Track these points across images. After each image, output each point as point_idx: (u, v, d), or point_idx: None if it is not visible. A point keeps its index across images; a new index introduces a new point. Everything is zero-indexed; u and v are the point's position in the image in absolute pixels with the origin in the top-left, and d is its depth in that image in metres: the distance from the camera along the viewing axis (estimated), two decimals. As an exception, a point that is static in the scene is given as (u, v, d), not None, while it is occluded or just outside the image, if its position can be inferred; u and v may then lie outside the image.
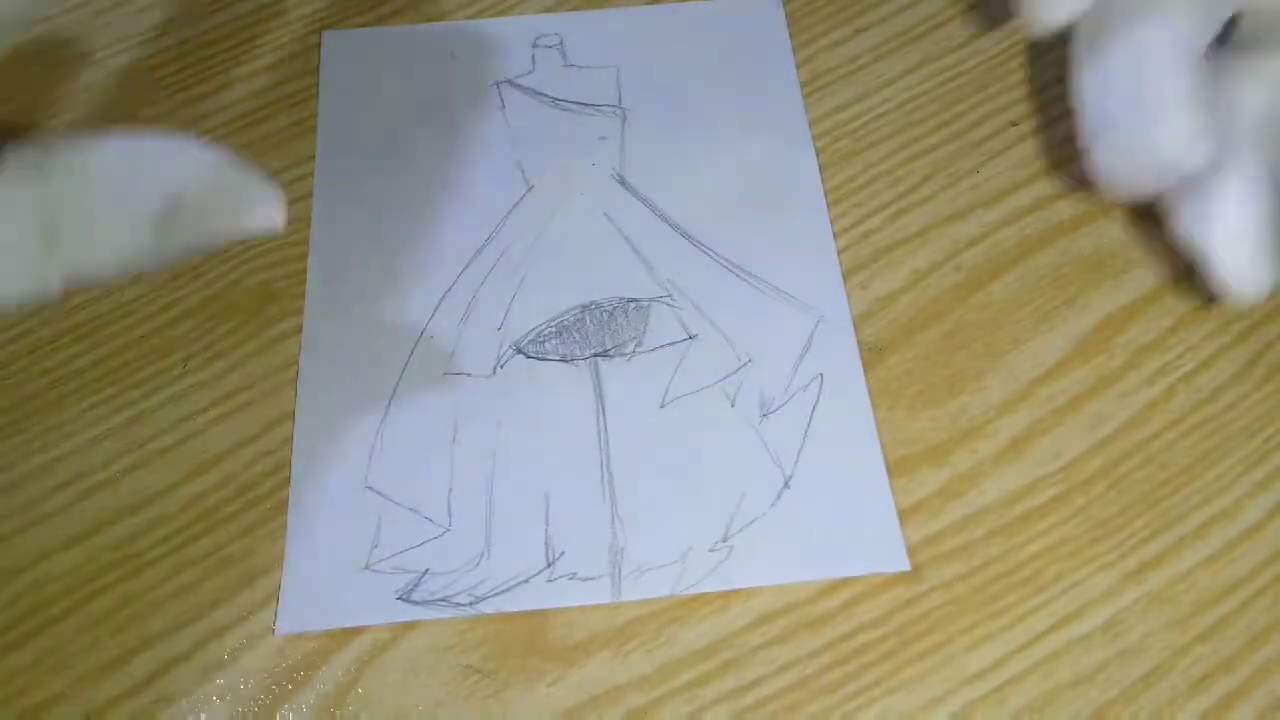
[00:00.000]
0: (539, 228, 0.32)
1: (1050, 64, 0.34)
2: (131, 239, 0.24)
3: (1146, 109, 0.26)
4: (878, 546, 0.27)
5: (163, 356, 0.30)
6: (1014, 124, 0.33)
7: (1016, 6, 0.28)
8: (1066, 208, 0.32)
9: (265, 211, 0.25)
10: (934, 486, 0.28)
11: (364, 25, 0.35)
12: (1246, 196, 0.26)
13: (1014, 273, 0.31)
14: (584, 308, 0.30)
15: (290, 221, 0.32)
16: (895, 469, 0.28)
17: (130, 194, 0.24)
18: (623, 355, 0.30)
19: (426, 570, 0.27)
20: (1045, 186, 0.32)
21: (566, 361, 0.30)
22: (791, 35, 0.35)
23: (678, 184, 0.32)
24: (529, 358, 0.30)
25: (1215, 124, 0.26)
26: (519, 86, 0.35)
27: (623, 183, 0.33)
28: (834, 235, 0.31)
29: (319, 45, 0.34)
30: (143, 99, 0.34)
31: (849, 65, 0.34)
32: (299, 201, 0.32)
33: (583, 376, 0.29)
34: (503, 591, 0.26)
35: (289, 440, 0.28)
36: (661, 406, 0.29)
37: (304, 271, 0.31)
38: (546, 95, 0.34)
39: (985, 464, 0.28)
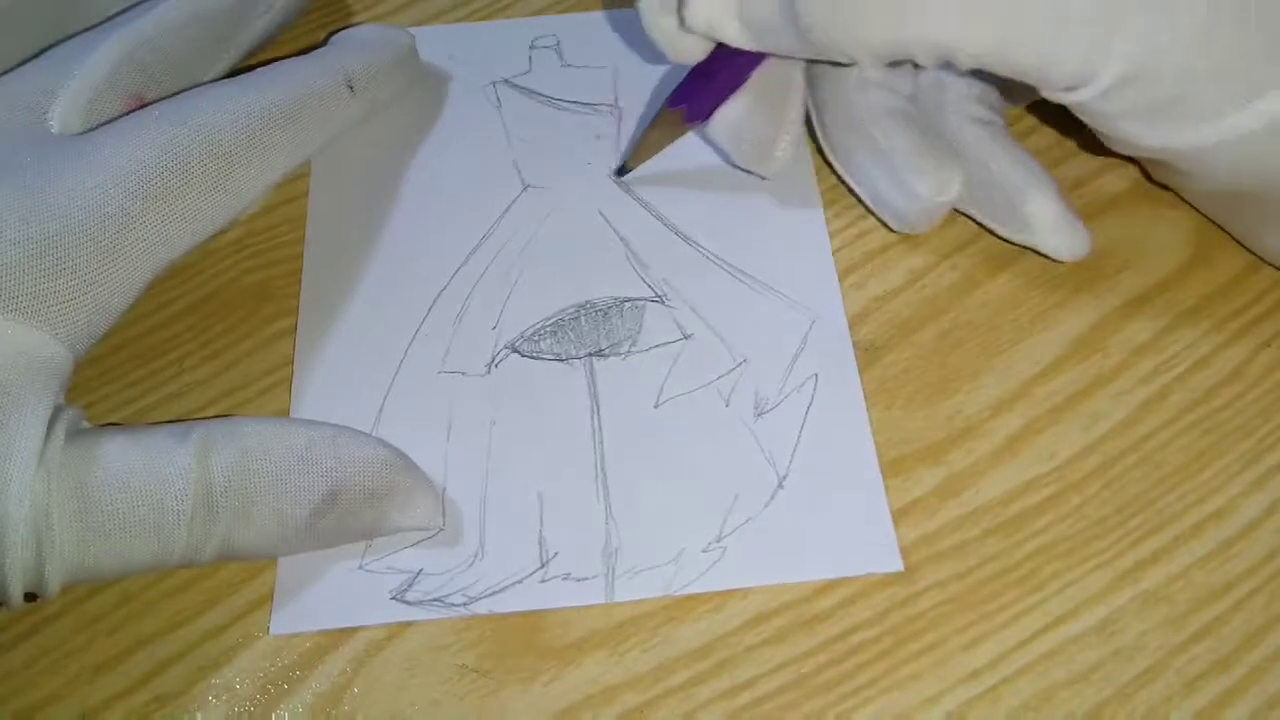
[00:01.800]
0: (534, 227, 0.32)
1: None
2: (287, 526, 0.25)
3: (895, 174, 0.29)
4: (871, 547, 0.27)
5: (158, 356, 0.30)
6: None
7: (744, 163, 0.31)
8: (1062, 207, 0.32)
9: (424, 512, 0.26)
10: (930, 486, 0.28)
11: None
12: (1036, 186, 0.29)
13: (1010, 272, 0.31)
14: (579, 307, 0.30)
15: (286, 220, 0.32)
16: (891, 468, 0.28)
17: (294, 483, 0.25)
18: (617, 355, 0.30)
19: (420, 570, 0.27)
20: (1041, 186, 0.32)
21: (561, 361, 0.30)
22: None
23: (673, 183, 0.32)
24: (524, 357, 0.30)
25: (949, 146, 0.30)
26: (516, 86, 0.35)
27: (618, 182, 0.33)
28: (829, 235, 0.31)
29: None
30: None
31: (845, 64, 0.34)
32: (295, 200, 0.33)
33: (577, 376, 0.29)
34: (496, 592, 0.26)
35: (284, 440, 0.28)
36: (656, 406, 0.29)
37: (300, 270, 0.31)
38: (543, 95, 0.35)
39: (981, 463, 0.28)
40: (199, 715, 0.25)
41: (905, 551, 0.27)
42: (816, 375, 0.29)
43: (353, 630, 0.26)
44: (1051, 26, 0.24)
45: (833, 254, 0.31)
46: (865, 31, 0.26)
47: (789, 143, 0.30)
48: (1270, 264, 0.30)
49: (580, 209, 0.32)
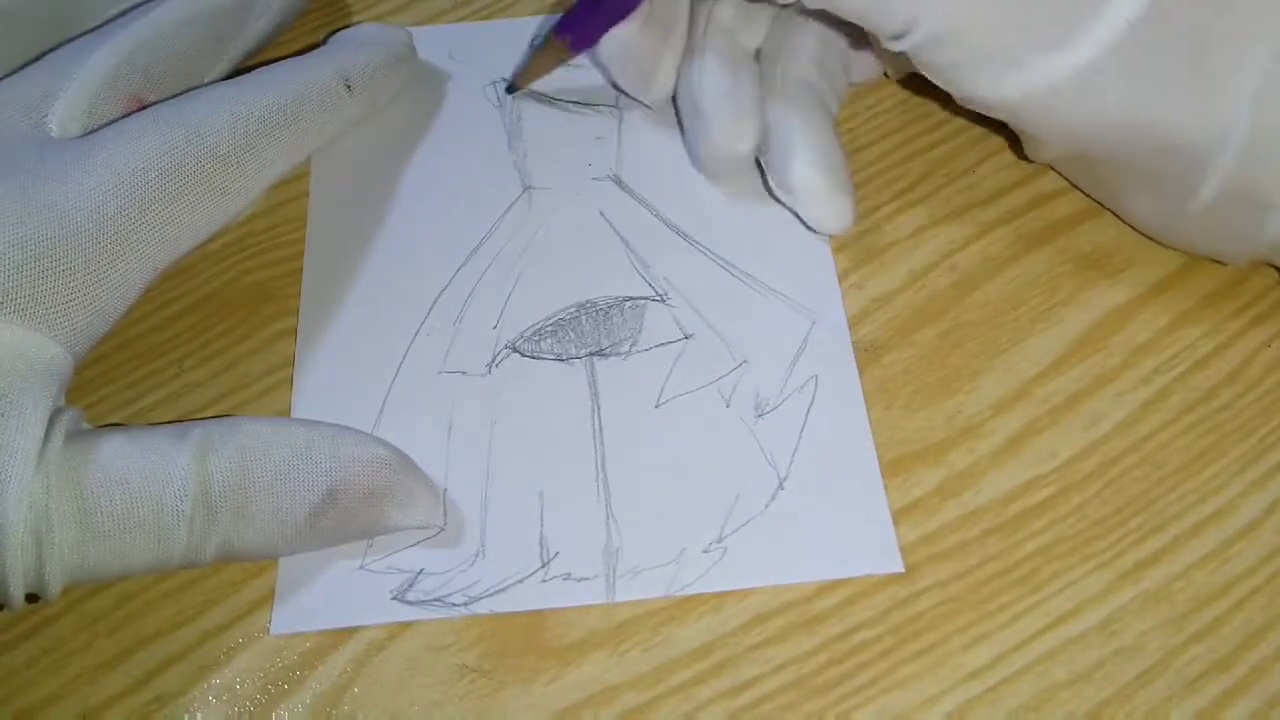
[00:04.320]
0: (535, 227, 0.32)
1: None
2: (287, 526, 0.25)
3: (701, 118, 0.31)
4: (872, 548, 0.27)
5: (158, 357, 0.30)
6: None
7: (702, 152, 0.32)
8: (1062, 207, 0.32)
9: (425, 511, 0.26)
10: (930, 486, 0.28)
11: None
12: (810, 152, 0.30)
13: (1010, 272, 0.31)
14: (579, 306, 0.30)
15: (286, 220, 0.32)
16: (891, 469, 0.28)
17: (293, 482, 0.25)
18: (618, 354, 0.30)
19: (421, 570, 0.27)
20: (1041, 185, 0.32)
21: (562, 360, 0.30)
22: (788, 34, 0.35)
23: (674, 184, 0.32)
24: (524, 356, 0.30)
25: (762, 108, 0.31)
26: (516, 86, 0.35)
27: (619, 183, 0.33)
28: (829, 235, 0.31)
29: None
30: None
31: (845, 64, 0.34)
32: (295, 200, 0.33)
33: (578, 375, 0.29)
34: (497, 592, 0.26)
35: (285, 440, 0.28)
36: (656, 406, 0.29)
37: (300, 270, 0.31)
38: (543, 95, 0.34)
39: (981, 463, 0.28)
40: (199, 715, 0.25)
41: (905, 551, 0.27)
42: (817, 376, 0.29)
43: (353, 630, 0.26)
44: None
45: (833, 254, 0.31)
46: None
47: (670, 71, 0.31)
48: (1144, 234, 0.31)
49: (581, 209, 0.32)
